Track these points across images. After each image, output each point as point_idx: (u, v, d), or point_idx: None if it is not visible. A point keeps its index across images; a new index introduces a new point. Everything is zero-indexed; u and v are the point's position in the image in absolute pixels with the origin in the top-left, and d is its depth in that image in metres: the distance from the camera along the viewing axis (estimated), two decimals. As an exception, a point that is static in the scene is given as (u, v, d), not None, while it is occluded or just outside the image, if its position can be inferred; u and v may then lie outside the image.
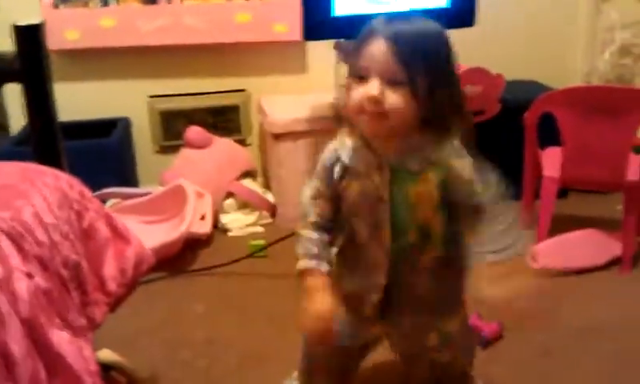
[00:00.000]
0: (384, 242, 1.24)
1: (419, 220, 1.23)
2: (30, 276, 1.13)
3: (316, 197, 1.29)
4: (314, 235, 1.28)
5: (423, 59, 1.13)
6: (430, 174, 1.21)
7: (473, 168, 1.23)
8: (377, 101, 1.13)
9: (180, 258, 2.50)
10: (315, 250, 1.27)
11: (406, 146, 1.20)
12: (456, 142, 1.22)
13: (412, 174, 1.21)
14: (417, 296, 1.30)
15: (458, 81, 1.22)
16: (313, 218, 1.28)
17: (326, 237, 1.29)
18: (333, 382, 1.49)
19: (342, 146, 1.26)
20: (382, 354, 1.52)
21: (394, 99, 1.13)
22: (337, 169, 1.26)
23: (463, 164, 1.22)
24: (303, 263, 1.27)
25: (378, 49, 1.13)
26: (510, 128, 2.78)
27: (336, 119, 1.29)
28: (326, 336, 1.25)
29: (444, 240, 1.25)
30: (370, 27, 1.17)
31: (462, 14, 2.44)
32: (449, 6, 2.44)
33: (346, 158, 1.25)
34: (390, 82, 1.13)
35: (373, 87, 1.13)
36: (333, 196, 1.28)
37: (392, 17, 1.18)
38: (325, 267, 1.27)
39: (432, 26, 1.18)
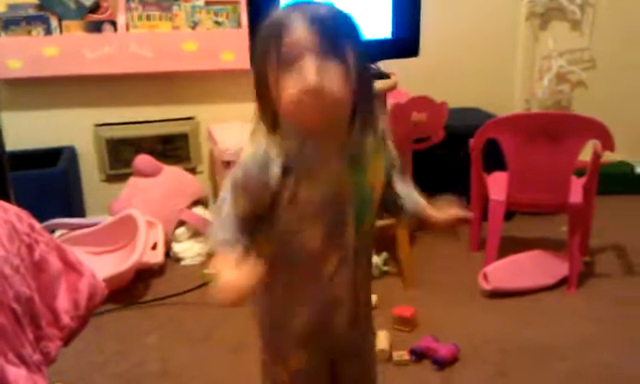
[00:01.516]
0: (346, 242, 1.17)
1: (373, 210, 1.21)
2: (-18, 312, 1.10)
3: (237, 198, 1.13)
4: (229, 226, 1.12)
5: (345, 33, 1.07)
6: (377, 161, 1.18)
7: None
8: (319, 76, 1.01)
9: (132, 288, 2.45)
10: (227, 235, 1.11)
11: (348, 137, 1.12)
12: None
13: (363, 164, 1.15)
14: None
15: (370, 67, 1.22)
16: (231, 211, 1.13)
17: (242, 238, 1.12)
18: None
19: (270, 146, 1.10)
20: None
21: (333, 75, 1.02)
22: (273, 171, 1.09)
23: (390, 145, 1.25)
24: (214, 248, 1.11)
25: (300, 30, 1.03)
26: (454, 154, 2.86)
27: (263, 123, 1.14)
28: (238, 303, 1.06)
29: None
30: (281, 18, 1.06)
31: (406, 45, 2.49)
32: (393, 37, 2.49)
33: (284, 157, 1.09)
34: (322, 56, 1.02)
35: (309, 65, 1.01)
36: (259, 206, 1.12)
37: (293, 6, 1.08)
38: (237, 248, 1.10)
39: (336, 8, 1.10)
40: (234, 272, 1.04)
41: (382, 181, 1.21)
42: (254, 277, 1.05)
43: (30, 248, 1.38)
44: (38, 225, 1.46)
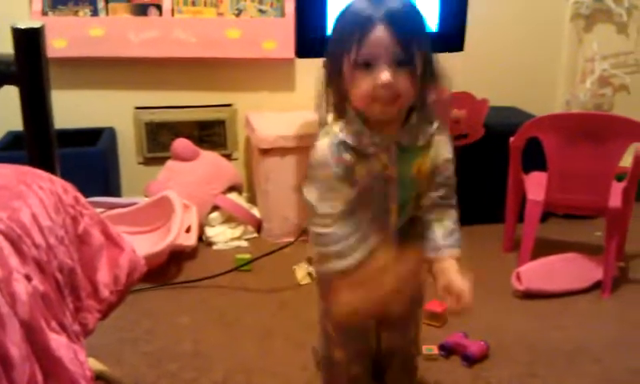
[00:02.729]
0: (390, 224, 1.33)
1: (416, 193, 1.33)
2: (28, 278, 1.12)
3: (326, 190, 1.28)
4: (334, 231, 1.27)
5: (417, 37, 1.18)
6: (427, 149, 1.29)
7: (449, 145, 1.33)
8: (390, 86, 1.16)
9: (164, 270, 2.48)
10: (338, 247, 1.27)
11: (405, 125, 1.26)
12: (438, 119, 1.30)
13: (415, 151, 1.27)
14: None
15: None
16: (327, 210, 1.27)
17: (345, 229, 1.27)
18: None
19: (339, 133, 1.26)
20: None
21: (403, 81, 1.17)
22: (345, 152, 1.26)
23: (445, 141, 1.32)
24: (332, 265, 1.28)
25: (379, 35, 1.15)
26: (492, 152, 2.84)
27: (321, 118, 1.32)
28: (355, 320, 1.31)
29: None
30: (363, 14, 1.17)
31: (451, 39, 2.49)
32: (438, 31, 2.48)
33: (351, 141, 1.25)
34: (395, 64, 1.16)
35: (384, 74, 1.15)
36: (346, 177, 1.27)
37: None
38: (350, 261, 1.26)
39: (411, 3, 1.21)
40: (353, 295, 1.23)
41: (426, 174, 1.30)
42: (369, 302, 1.23)
43: (75, 220, 1.41)
44: (82, 198, 1.48)
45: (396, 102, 1.19)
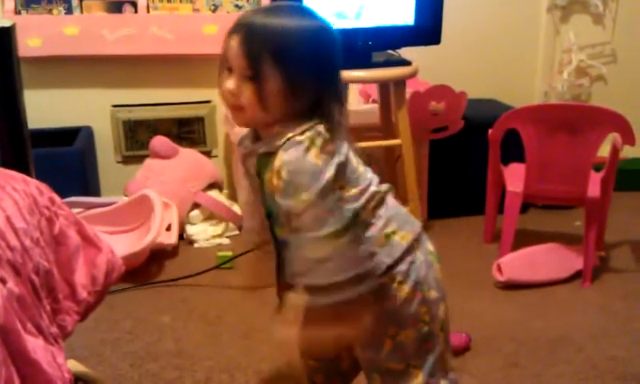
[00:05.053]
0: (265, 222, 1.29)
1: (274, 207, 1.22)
2: (3, 281, 1.10)
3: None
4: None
5: (273, 55, 1.11)
6: (275, 161, 1.15)
7: (295, 166, 1.12)
8: (233, 94, 1.14)
9: (145, 269, 2.46)
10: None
11: (270, 132, 1.18)
12: (300, 135, 1.13)
13: (268, 161, 1.17)
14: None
15: (331, 79, 1.18)
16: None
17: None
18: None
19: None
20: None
21: (246, 94, 1.13)
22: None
23: (285, 157, 1.12)
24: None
25: (232, 43, 1.13)
26: (471, 144, 2.85)
27: None
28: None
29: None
30: (237, 19, 1.16)
31: (428, 32, 2.48)
32: (415, 24, 2.48)
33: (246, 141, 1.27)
34: (243, 76, 1.13)
35: (229, 81, 1.14)
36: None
37: (260, 9, 1.20)
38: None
39: (299, 20, 1.15)
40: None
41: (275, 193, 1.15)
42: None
43: (50, 221, 1.39)
44: (58, 199, 1.46)
45: (238, 112, 1.17)
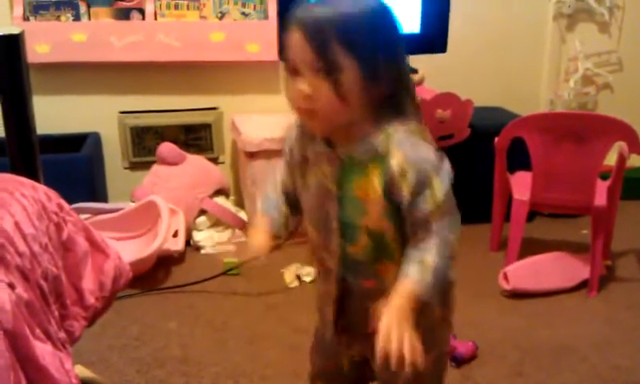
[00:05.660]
0: (333, 250, 1.12)
1: (369, 222, 1.07)
2: (12, 286, 1.11)
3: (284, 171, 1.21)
4: (272, 194, 1.21)
5: (341, 41, 0.98)
6: (374, 166, 1.04)
7: (416, 162, 1.01)
8: (306, 97, 1.01)
9: (152, 275, 2.47)
10: (266, 204, 1.21)
11: (353, 133, 1.05)
12: (404, 129, 1.04)
13: (358, 165, 1.06)
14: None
15: (402, 58, 1.07)
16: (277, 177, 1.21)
17: (284, 205, 1.20)
18: None
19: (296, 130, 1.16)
20: None
21: (322, 91, 1.00)
22: (295, 154, 1.15)
23: (402, 155, 1.02)
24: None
25: (294, 40, 1.00)
26: (478, 152, 2.85)
27: None
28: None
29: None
30: (292, 16, 1.02)
31: (434, 40, 2.49)
32: (421, 32, 2.49)
33: (303, 144, 1.14)
34: (314, 72, 1.00)
35: (299, 83, 1.01)
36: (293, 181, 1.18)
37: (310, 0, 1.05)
38: (272, 214, 1.19)
39: (357, 2, 1.02)
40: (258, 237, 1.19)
41: (377, 199, 1.05)
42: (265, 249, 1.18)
43: (59, 227, 1.40)
44: (66, 205, 1.47)
45: (313, 117, 1.04)
